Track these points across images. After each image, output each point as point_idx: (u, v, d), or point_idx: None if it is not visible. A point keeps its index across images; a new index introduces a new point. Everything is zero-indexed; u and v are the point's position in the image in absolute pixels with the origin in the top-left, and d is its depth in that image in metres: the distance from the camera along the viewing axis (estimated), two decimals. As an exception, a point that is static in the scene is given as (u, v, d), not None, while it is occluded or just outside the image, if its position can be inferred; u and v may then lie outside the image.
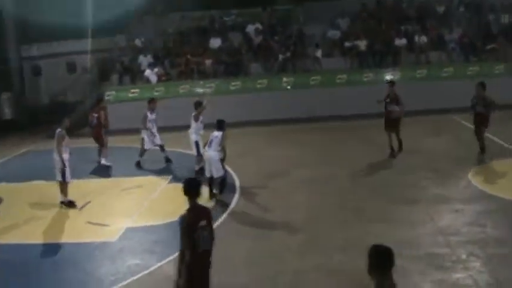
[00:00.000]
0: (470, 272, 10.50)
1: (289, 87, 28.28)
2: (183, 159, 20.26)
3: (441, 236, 12.38)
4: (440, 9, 32.24)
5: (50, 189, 16.48)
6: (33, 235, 14.08)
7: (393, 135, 19.02)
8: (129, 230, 13.97)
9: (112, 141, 21.98)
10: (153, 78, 28.77)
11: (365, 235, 12.31)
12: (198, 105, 18.34)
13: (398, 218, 13.60)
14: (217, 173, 15.78)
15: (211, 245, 8.54)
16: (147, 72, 28.89)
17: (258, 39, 30.94)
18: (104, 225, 14.54)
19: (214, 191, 15.87)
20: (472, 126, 18.48)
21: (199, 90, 27.35)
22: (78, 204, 16.12)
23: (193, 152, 18.57)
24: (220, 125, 16.14)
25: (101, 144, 20.87)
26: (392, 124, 18.85)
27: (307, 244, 12.41)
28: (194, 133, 18.27)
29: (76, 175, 17.34)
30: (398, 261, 10.96)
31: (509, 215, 13.37)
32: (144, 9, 33.14)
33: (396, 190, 15.76)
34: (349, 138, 22.71)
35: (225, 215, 14.62)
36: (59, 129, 15.83)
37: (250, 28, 31.77)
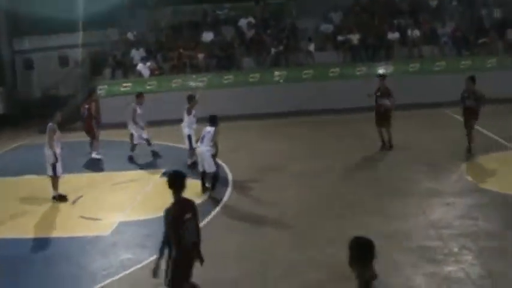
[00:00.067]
0: (462, 265, 10.55)
1: (281, 80, 28.25)
2: (176, 153, 20.22)
3: (433, 229, 12.43)
4: (433, 3, 32.25)
5: (42, 184, 16.41)
6: (25, 230, 14.05)
7: (384, 130, 18.98)
8: (122, 224, 13.96)
9: (104, 135, 21.92)
10: (146, 72, 28.68)
11: (357, 228, 12.26)
12: (191, 99, 18.34)
13: (390, 212, 13.64)
14: (209, 168, 15.69)
15: (198, 237, 8.61)
16: (140, 66, 28.78)
17: (250, 33, 30.88)
18: (96, 219, 14.52)
19: (206, 184, 15.84)
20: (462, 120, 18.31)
21: (192, 84, 27.33)
22: (71, 198, 16.09)
23: (186, 145, 18.55)
24: (213, 120, 15.95)
25: (92, 136, 20.84)
26: (383, 118, 18.78)
27: (299, 237, 12.44)
28: (187, 127, 18.24)
29: (68, 169, 17.31)
30: (390, 254, 11.07)
31: (500, 209, 13.43)
32: (136, 3, 33.04)
33: (388, 183, 15.81)
34: (341, 132, 22.72)
35: (217, 209, 14.63)
36: (50, 123, 15.79)
37: (243, 22, 31.67)
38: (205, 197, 15.39)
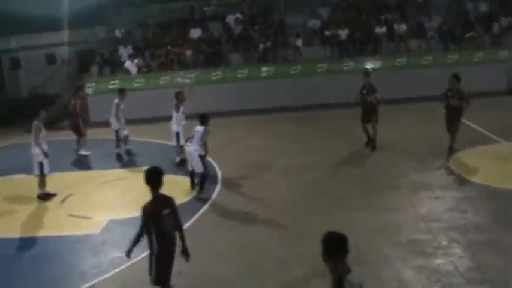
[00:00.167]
0: (451, 258, 10.62)
1: (265, 74, 28.26)
2: (165, 150, 20.18)
3: (422, 222, 12.49)
4: (420, -3, 32.42)
5: (31, 183, 16.32)
6: (14, 229, 14.02)
7: (369, 126, 18.61)
8: (112, 223, 13.94)
9: (92, 133, 21.87)
10: (134, 70, 28.62)
11: (347, 223, 12.38)
12: (179, 95, 18.30)
13: (379, 206, 13.69)
14: (197, 168, 15.42)
15: (181, 232, 8.70)
16: (127, 63, 28.72)
17: (238, 29, 30.87)
18: (86, 217, 14.49)
19: (195, 181, 15.77)
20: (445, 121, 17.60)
21: (180, 80, 27.31)
22: (60, 197, 16.06)
23: (174, 143, 18.52)
24: (203, 120, 15.58)
25: (79, 135, 20.78)
26: (369, 114, 18.39)
27: (289, 234, 12.45)
28: (176, 124, 18.17)
29: (57, 168, 17.29)
30: (380, 248, 11.13)
31: (489, 202, 13.50)
32: (123, 0, 32.95)
33: (376, 178, 15.86)
34: (330, 127, 22.78)
35: (206, 206, 14.63)
36: (35, 122, 15.74)
37: (231, 18, 31.68)
38: (194, 194, 15.38)
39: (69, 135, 21.50)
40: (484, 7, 31.07)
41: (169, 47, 29.34)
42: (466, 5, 31.26)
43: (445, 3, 31.76)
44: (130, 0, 33.51)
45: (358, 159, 18.13)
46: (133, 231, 12.96)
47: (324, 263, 5.71)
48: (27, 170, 16.89)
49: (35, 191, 16.06)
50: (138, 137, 22.07)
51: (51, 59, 33.83)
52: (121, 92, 20.33)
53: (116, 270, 11.26)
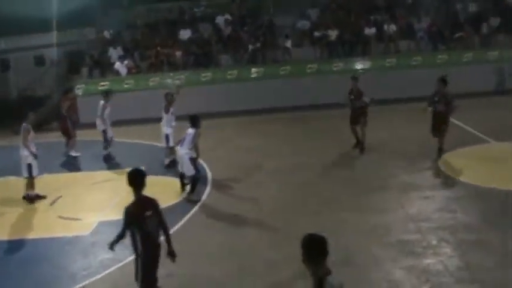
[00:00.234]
0: (441, 258, 10.67)
1: (255, 75, 28.30)
2: (155, 151, 20.13)
3: (412, 222, 12.54)
4: (409, -2, 32.53)
5: (20, 185, 16.23)
6: (3, 231, 13.97)
7: (358, 128, 18.48)
8: (102, 224, 13.90)
9: (82, 134, 21.80)
10: (123, 71, 28.56)
11: (337, 224, 12.43)
12: (168, 96, 18.27)
13: (369, 206, 13.73)
14: (188, 172, 15.25)
15: (166, 234, 8.75)
16: (117, 64, 28.64)
17: (227, 30, 30.87)
18: (76, 219, 14.46)
19: (185, 183, 15.66)
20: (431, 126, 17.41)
21: (169, 82, 27.27)
22: (49, 198, 16.01)
23: (163, 144, 18.47)
24: (194, 122, 15.32)
25: (68, 136, 20.72)
26: (359, 116, 18.25)
27: (279, 235, 12.46)
28: (165, 125, 18.12)
29: (46, 169, 17.24)
30: (369, 249, 11.15)
31: (478, 201, 13.58)
32: (112, 1, 32.87)
33: (365, 179, 15.91)
34: (319, 128, 22.80)
35: (196, 208, 14.61)
36: (24, 124, 15.68)
37: (220, 19, 31.66)
38: (184, 195, 15.36)
39: (58, 137, 21.42)
40: (472, 7, 31.18)
41: (158, 48, 29.30)
42: (455, 5, 31.36)
43: (434, 4, 31.84)
44: (119, 1, 33.38)
45: (347, 160, 18.15)
46: (123, 232, 12.88)
47: (304, 265, 5.72)
48: (16, 172, 16.82)
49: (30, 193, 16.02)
50: (128, 138, 22.05)
51: (40, 61, 33.65)
52: (107, 93, 20.28)
53: (106, 271, 11.26)
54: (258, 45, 29.25)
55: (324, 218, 12.95)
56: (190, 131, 15.24)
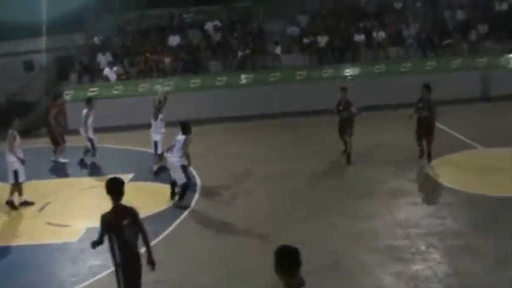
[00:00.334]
0: (430, 263, 10.70)
1: (244, 81, 28.33)
2: (143, 158, 20.07)
3: (400, 228, 12.57)
4: (398, 5, 32.60)
5: (7, 191, 16.15)
6: (-9, 237, 13.88)
7: (346, 136, 18.32)
8: (90, 230, 13.75)
9: (70, 140, 21.70)
10: (112, 77, 28.48)
11: (326, 230, 12.45)
12: (156, 103, 18.27)
13: (357, 212, 13.76)
14: (179, 180, 15.11)
15: (146, 242, 8.67)
16: (106, 70, 28.57)
17: (217, 37, 30.87)
18: (64, 225, 14.40)
19: (176, 191, 15.55)
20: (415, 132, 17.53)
21: (158, 88, 27.21)
22: (38, 205, 15.93)
23: (152, 151, 18.43)
24: (184, 129, 15.18)
25: (55, 142, 20.63)
26: (346, 125, 18.12)
27: (268, 241, 12.38)
28: (155, 132, 18.09)
29: (35, 175, 17.16)
30: (357, 255, 11.16)
31: (467, 208, 13.66)
32: (102, 7, 32.82)
33: (356, 185, 15.94)
34: (309, 134, 22.82)
35: (185, 214, 14.58)
36: (10, 130, 15.63)
37: (209, 25, 31.64)
38: (173, 202, 15.32)
39: (46, 143, 21.32)
40: (460, 15, 31.35)
41: (148, 54, 29.25)
42: (444, 12, 31.54)
43: (422, 11, 32.01)
44: (109, 7, 33.33)
45: (337, 167, 18.16)
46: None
47: (277, 276, 5.71)
48: (3, 178, 16.73)
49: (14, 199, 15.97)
50: (117, 144, 22.01)
51: (29, 66, 33.51)
52: (89, 101, 20.19)
53: (95, 278, 11.21)
54: (248, 51, 29.26)
55: (313, 224, 12.98)
56: (180, 137, 15.10)
